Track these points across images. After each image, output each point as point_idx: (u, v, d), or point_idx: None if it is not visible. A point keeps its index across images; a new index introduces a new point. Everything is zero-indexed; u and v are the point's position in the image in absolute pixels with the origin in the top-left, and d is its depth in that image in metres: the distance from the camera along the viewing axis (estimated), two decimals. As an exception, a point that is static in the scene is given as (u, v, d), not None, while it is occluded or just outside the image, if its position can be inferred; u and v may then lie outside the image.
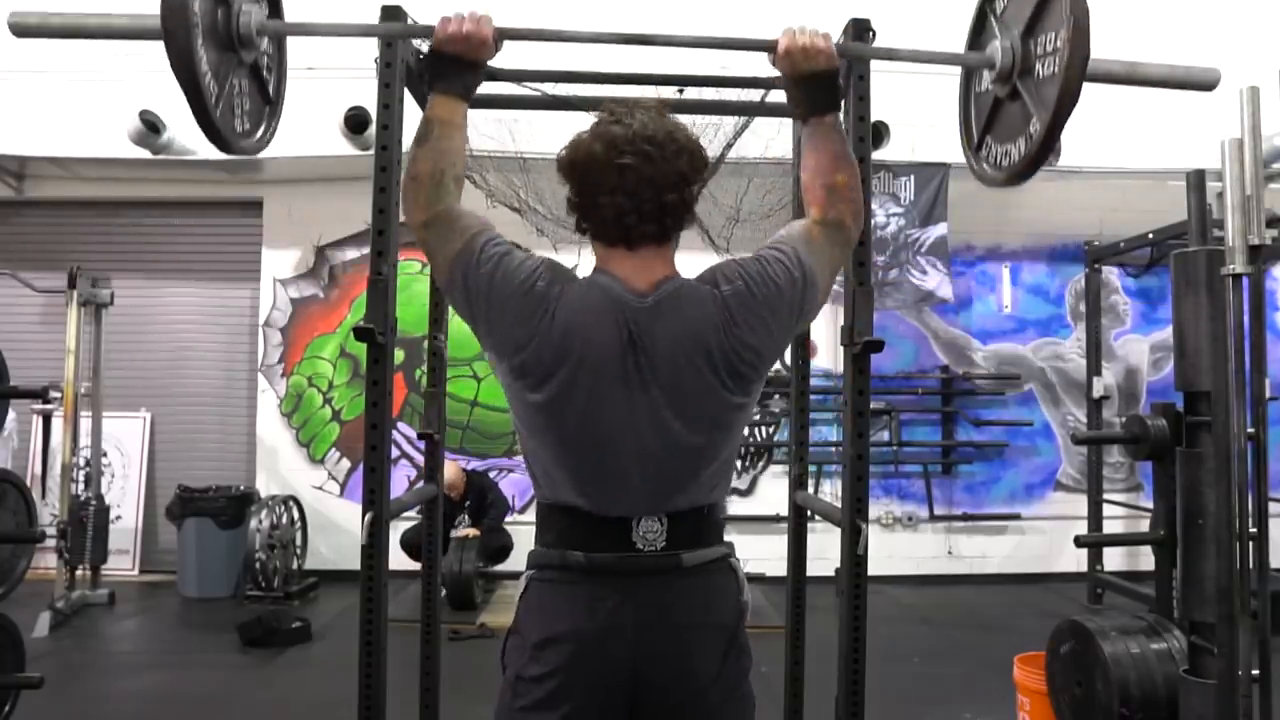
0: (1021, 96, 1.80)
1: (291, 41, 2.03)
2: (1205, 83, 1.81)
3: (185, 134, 5.82)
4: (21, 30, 1.67)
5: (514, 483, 6.62)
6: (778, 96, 2.68)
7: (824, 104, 1.61)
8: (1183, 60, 1.83)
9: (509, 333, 1.45)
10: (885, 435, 6.64)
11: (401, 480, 6.31)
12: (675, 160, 1.45)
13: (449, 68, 1.55)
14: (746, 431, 1.60)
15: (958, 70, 2.14)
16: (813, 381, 2.87)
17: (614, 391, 1.42)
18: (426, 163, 1.51)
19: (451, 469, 5.97)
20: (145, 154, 5.81)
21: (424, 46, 2.34)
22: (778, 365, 1.80)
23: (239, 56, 1.72)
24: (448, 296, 1.53)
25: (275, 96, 1.95)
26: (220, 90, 1.65)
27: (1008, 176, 1.91)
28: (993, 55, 1.84)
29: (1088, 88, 1.64)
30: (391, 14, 2.16)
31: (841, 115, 1.67)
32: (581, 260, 1.55)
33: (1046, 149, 1.73)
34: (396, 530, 5.59)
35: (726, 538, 1.56)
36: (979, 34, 1.99)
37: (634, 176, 1.42)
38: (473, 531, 5.86)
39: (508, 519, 6.16)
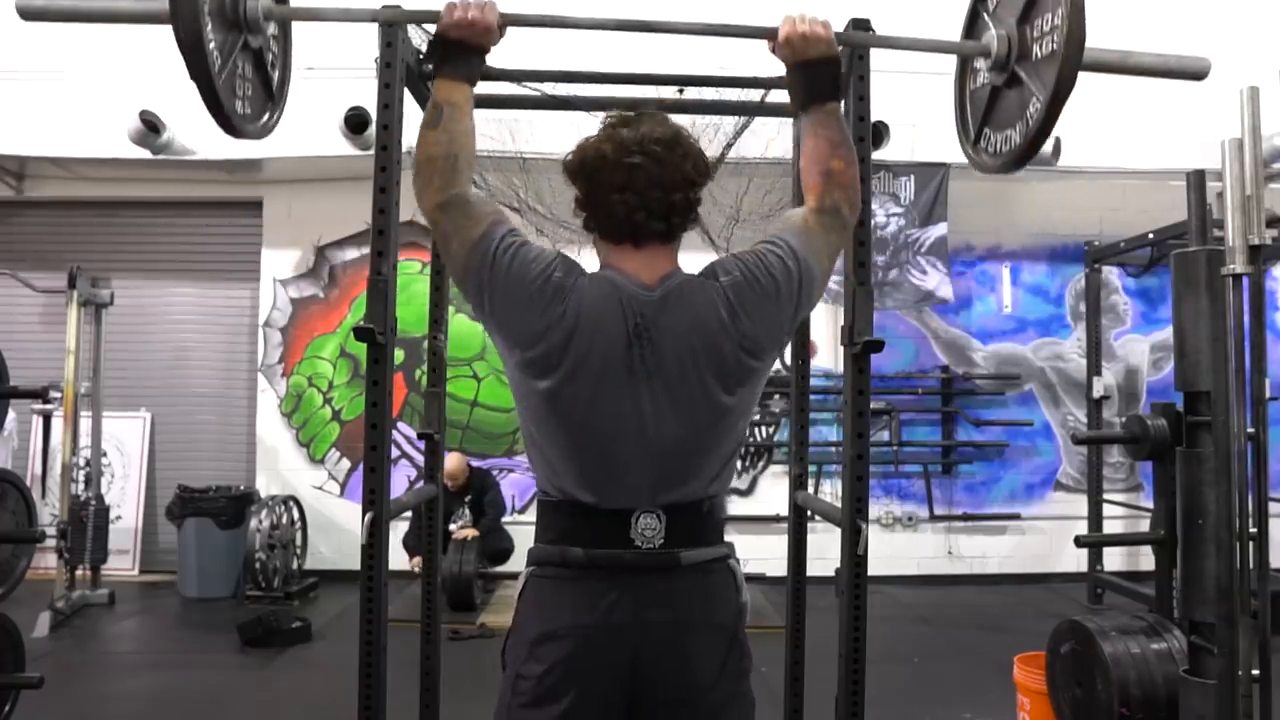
0: (1020, 82, 1.83)
1: (293, 40, 2.04)
2: (1195, 71, 1.85)
3: (185, 134, 5.82)
4: (28, 13, 1.69)
5: (514, 483, 6.62)
6: (778, 96, 2.68)
7: (824, 91, 1.63)
8: (1183, 60, 1.85)
9: (523, 324, 1.46)
10: (885, 435, 6.64)
11: (401, 480, 6.31)
12: (682, 163, 1.49)
13: (454, 53, 1.58)
14: (746, 431, 1.60)
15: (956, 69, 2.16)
16: (813, 381, 2.87)
17: (619, 382, 1.44)
18: (439, 145, 1.52)
19: (454, 458, 5.96)
20: (145, 154, 5.81)
21: (424, 46, 2.35)
22: (778, 365, 1.80)
23: (245, 39, 1.74)
24: (460, 285, 1.53)
25: (277, 94, 1.96)
26: (224, 64, 1.66)
27: (1007, 162, 1.95)
28: (989, 43, 1.88)
29: (1088, 88, 1.66)
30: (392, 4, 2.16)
31: (841, 108, 1.69)
32: (583, 259, 1.55)
33: (1047, 128, 1.76)
34: (397, 530, 5.60)
35: (727, 538, 1.56)
36: (971, 29, 2.04)
37: (643, 176, 1.46)
38: (472, 532, 5.87)
39: (507, 519, 6.18)
